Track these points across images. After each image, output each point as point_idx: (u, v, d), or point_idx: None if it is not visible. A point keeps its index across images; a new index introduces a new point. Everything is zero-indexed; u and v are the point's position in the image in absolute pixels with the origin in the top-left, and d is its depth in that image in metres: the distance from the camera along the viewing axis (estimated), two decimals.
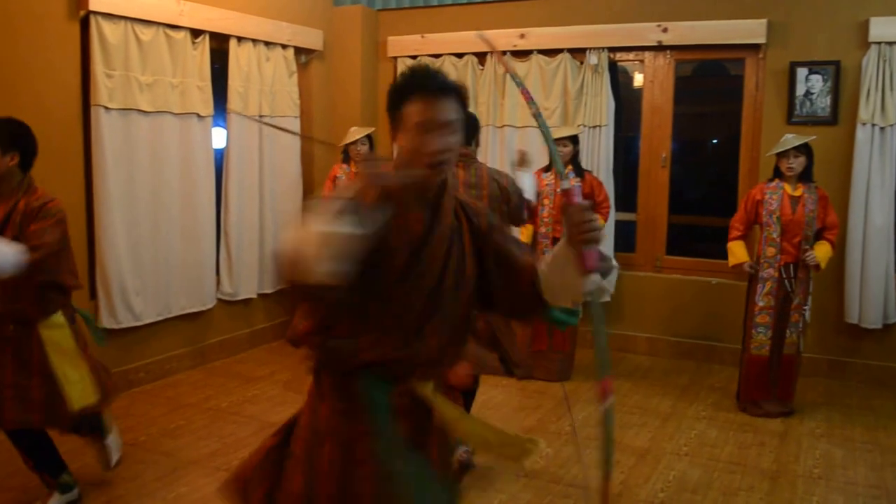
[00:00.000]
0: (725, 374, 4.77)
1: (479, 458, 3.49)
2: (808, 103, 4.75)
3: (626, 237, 5.44)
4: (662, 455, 3.57)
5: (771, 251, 4.04)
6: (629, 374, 4.85)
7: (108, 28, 4.03)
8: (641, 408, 4.23)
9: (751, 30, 4.79)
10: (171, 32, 4.41)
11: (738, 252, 4.19)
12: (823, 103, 4.71)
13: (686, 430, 3.90)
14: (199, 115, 4.63)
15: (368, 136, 5.09)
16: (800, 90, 4.75)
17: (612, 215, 5.10)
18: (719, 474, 3.37)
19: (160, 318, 4.48)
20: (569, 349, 4.70)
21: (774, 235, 4.02)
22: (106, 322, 4.13)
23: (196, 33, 4.59)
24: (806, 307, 4.08)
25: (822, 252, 4.00)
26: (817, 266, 4.00)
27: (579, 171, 4.64)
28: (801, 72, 4.73)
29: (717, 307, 5.04)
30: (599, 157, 5.16)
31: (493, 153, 5.48)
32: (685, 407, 4.26)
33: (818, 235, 4.05)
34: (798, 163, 3.97)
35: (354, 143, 5.01)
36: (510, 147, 5.43)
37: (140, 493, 3.08)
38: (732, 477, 3.34)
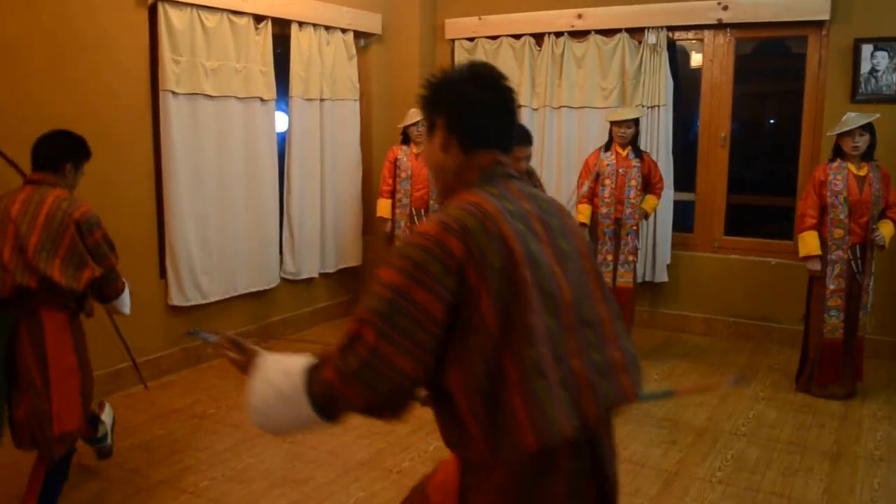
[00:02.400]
0: (784, 356, 4.75)
1: None
2: (872, 81, 4.64)
3: (684, 217, 5.43)
4: (720, 434, 3.61)
5: (839, 233, 3.98)
6: (686, 354, 4.87)
7: (175, 15, 4.17)
8: None
9: (814, 6, 4.69)
10: (234, 18, 4.54)
11: (810, 243, 4.01)
12: (889, 80, 4.60)
13: (744, 411, 3.92)
14: (262, 100, 4.77)
15: None
16: (864, 68, 4.64)
17: (671, 196, 5.10)
18: (778, 454, 3.39)
19: (226, 296, 4.65)
20: (629, 329, 4.75)
21: (842, 217, 3.96)
22: (175, 299, 4.32)
23: (258, 19, 4.71)
24: (871, 288, 4.04)
25: (887, 231, 3.94)
26: (883, 246, 3.95)
27: (638, 153, 4.65)
28: (866, 49, 4.62)
29: (776, 288, 5.00)
30: (658, 137, 5.14)
31: (551, 135, 5.50)
32: (743, 387, 4.27)
33: (882, 214, 3.99)
34: (863, 141, 3.91)
35: (415, 124, 5.09)
36: (568, 128, 5.45)
37: (210, 463, 3.24)
38: (792, 457, 3.36)
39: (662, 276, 5.26)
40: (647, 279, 5.21)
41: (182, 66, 4.24)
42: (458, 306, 1.25)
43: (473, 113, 1.40)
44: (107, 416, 3.16)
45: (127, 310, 2.97)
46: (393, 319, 1.24)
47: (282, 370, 1.37)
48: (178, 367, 4.38)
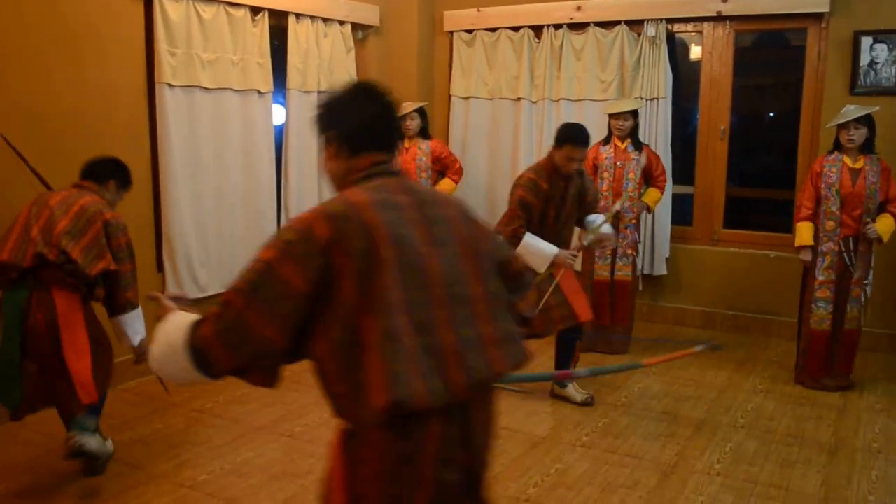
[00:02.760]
0: (783, 349, 4.76)
1: (538, 429, 3.59)
2: (872, 73, 4.63)
3: (683, 210, 5.42)
4: (718, 427, 3.61)
5: (830, 224, 3.99)
6: (685, 347, 4.87)
7: (171, 6, 4.14)
8: (697, 381, 4.26)
9: None
10: (231, 10, 4.51)
11: (804, 234, 4.08)
12: (888, 73, 4.59)
13: (743, 403, 3.92)
14: (259, 92, 4.75)
15: (419, 110, 5.15)
16: (864, 60, 4.63)
17: (669, 188, 5.08)
18: (776, 446, 3.40)
19: (225, 289, 4.63)
20: (629, 323, 4.76)
21: (834, 209, 3.97)
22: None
23: (255, 10, 4.68)
24: (867, 282, 4.03)
25: (883, 225, 3.93)
26: (879, 239, 3.94)
27: (638, 145, 4.64)
28: (866, 41, 4.61)
29: (775, 281, 5.00)
30: (657, 129, 5.13)
31: (549, 127, 5.48)
32: (741, 380, 4.27)
33: (882, 208, 3.98)
34: (859, 134, 3.90)
35: (404, 117, 5.09)
36: (566, 121, 5.40)
37: (209, 457, 3.23)
38: (790, 449, 3.36)
39: (661, 270, 5.26)
40: (646, 272, 5.20)
41: (178, 59, 4.22)
42: (324, 283, 1.42)
43: (355, 123, 1.61)
44: (106, 445, 3.08)
45: (136, 338, 2.97)
46: (260, 290, 1.42)
47: (176, 324, 1.55)
48: None
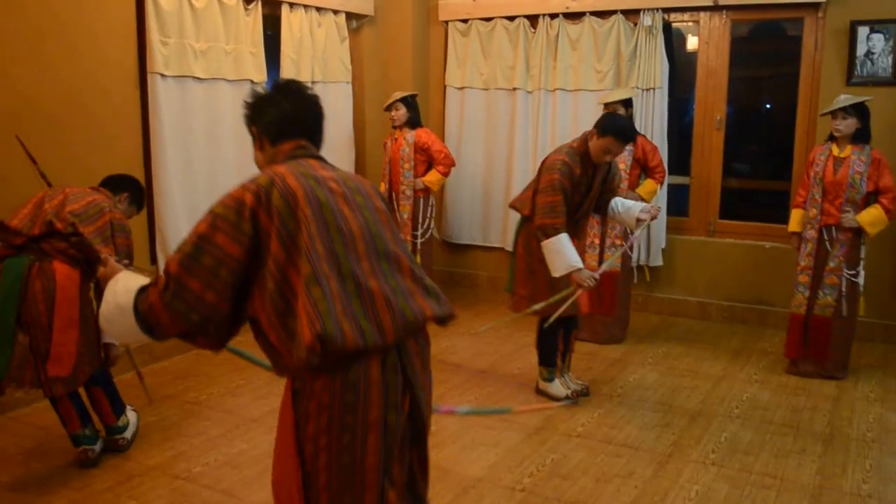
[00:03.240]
0: (778, 339, 4.76)
1: (533, 420, 3.58)
2: (868, 63, 4.62)
3: (679, 201, 5.41)
4: (714, 417, 3.61)
5: (813, 212, 4.04)
6: (681, 338, 4.88)
7: None
8: (693, 371, 4.27)
9: None
10: None
11: (792, 221, 4.21)
12: (885, 63, 4.58)
13: (738, 393, 3.93)
14: (252, 82, 4.71)
15: (405, 100, 5.07)
16: (860, 50, 4.62)
17: (665, 179, 5.04)
18: (771, 436, 3.40)
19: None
20: (616, 313, 4.71)
21: (817, 196, 4.01)
22: None
23: (248, 0, 4.65)
24: (853, 272, 4.00)
25: (868, 216, 3.91)
26: (863, 230, 3.93)
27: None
28: (863, 31, 4.59)
29: (771, 272, 5.00)
30: (653, 120, 5.11)
31: (545, 116, 5.47)
32: (737, 370, 4.28)
33: (872, 199, 3.97)
34: (846, 124, 3.90)
35: (390, 107, 5.06)
36: (563, 111, 5.41)
37: (203, 449, 3.23)
38: (785, 439, 3.37)
39: (657, 260, 5.25)
40: (642, 263, 5.20)
41: (170, 48, 4.18)
42: (255, 246, 1.58)
43: (276, 115, 1.79)
44: (133, 419, 3.30)
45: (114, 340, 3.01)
46: (199, 258, 1.57)
47: (125, 287, 1.67)
48: (170, 353, 4.35)
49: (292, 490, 1.63)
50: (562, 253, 3.48)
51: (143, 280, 1.68)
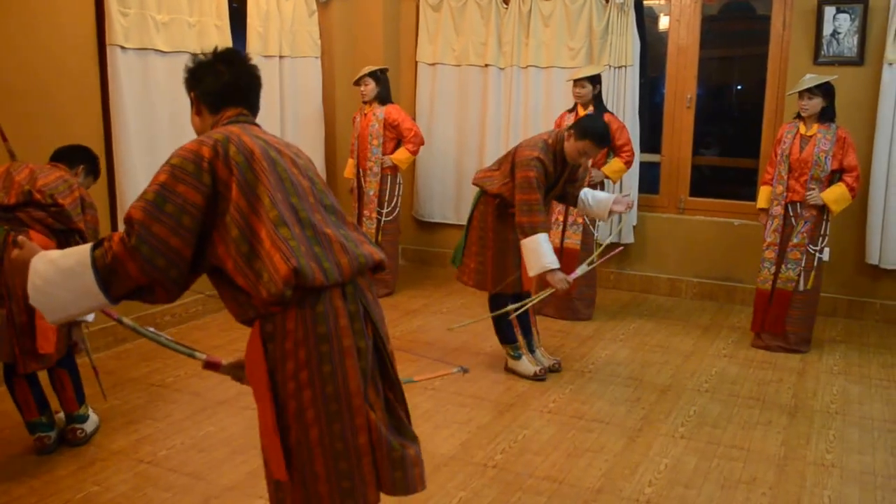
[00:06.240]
0: (746, 314, 4.82)
1: (505, 397, 3.59)
2: (835, 43, 4.66)
3: (650, 179, 5.44)
4: (683, 391, 3.66)
5: (779, 189, 4.10)
6: (651, 315, 4.92)
7: None
8: (663, 346, 4.31)
9: None
10: None
11: (760, 198, 4.28)
12: (850, 43, 4.62)
13: (707, 368, 3.98)
14: None
15: (373, 75, 4.96)
16: (827, 30, 4.65)
17: (637, 157, 5.05)
18: (739, 409, 3.45)
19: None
20: (583, 290, 4.69)
21: (783, 173, 4.07)
22: None
23: None
24: (816, 248, 4.05)
25: (833, 193, 3.97)
26: (827, 208, 3.99)
27: (601, 110, 4.58)
28: (829, 11, 4.63)
29: (739, 248, 5.07)
30: (625, 97, 5.11)
31: (517, 94, 5.43)
32: (706, 345, 4.34)
33: (838, 177, 4.03)
34: (811, 104, 3.95)
35: (358, 82, 4.97)
36: (535, 88, 5.38)
37: (169, 432, 3.16)
38: (751, 412, 3.43)
39: (628, 238, 5.28)
40: (613, 241, 5.21)
41: (130, 19, 4.03)
42: (215, 195, 1.65)
43: (216, 84, 1.85)
44: (95, 418, 3.19)
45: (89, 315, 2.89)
46: (162, 207, 1.62)
47: (64, 252, 1.68)
48: (135, 335, 4.18)
49: (270, 430, 1.68)
50: (538, 253, 3.47)
51: (83, 245, 1.70)
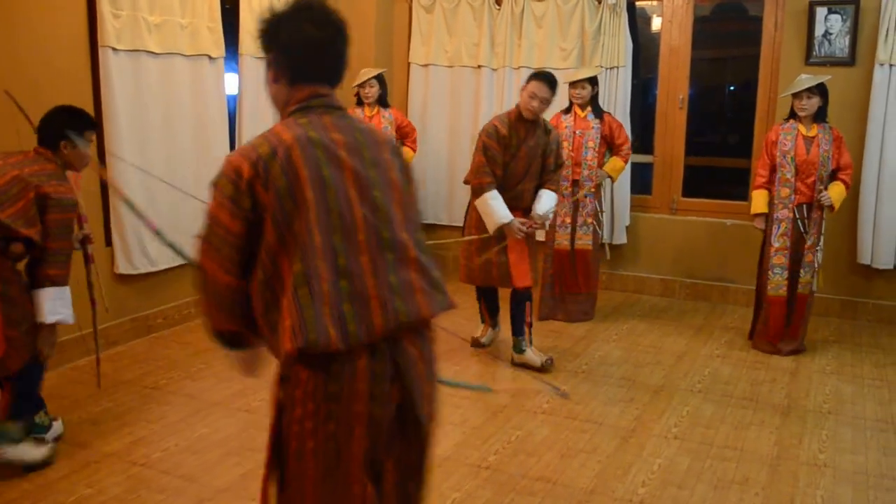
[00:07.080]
0: (739, 315, 4.85)
1: (499, 397, 3.59)
2: (826, 44, 4.68)
3: (642, 179, 5.45)
4: (676, 392, 3.66)
5: (785, 192, 4.05)
6: (644, 315, 4.93)
7: None
8: (656, 347, 4.32)
9: None
10: None
11: (757, 202, 4.20)
12: (842, 44, 4.65)
13: (700, 368, 3.99)
14: (210, 57, 4.57)
15: (378, 77, 5.03)
16: (818, 30, 4.68)
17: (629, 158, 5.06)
18: (732, 409, 3.46)
19: (176, 263, 4.48)
20: (592, 291, 4.76)
21: (788, 176, 4.03)
22: (122, 268, 4.15)
23: None
24: (819, 248, 4.11)
25: (835, 193, 4.01)
26: (831, 206, 4.02)
27: (598, 113, 4.61)
28: (821, 11, 4.65)
29: (732, 249, 5.08)
30: (617, 98, 5.12)
31: (510, 95, 5.43)
32: (699, 346, 4.34)
33: (833, 176, 4.05)
34: (811, 104, 3.96)
35: (363, 84, 4.97)
36: None
37: (163, 434, 3.15)
38: (744, 412, 3.43)
39: (621, 238, 5.29)
40: (606, 241, 5.23)
41: (123, 21, 4.01)
42: (255, 220, 1.48)
43: (299, 48, 1.56)
44: (54, 429, 3.03)
45: (51, 317, 2.76)
46: (210, 240, 1.52)
47: None
48: (127, 337, 4.24)
49: (265, 461, 1.60)
50: (491, 209, 3.73)
51: None
